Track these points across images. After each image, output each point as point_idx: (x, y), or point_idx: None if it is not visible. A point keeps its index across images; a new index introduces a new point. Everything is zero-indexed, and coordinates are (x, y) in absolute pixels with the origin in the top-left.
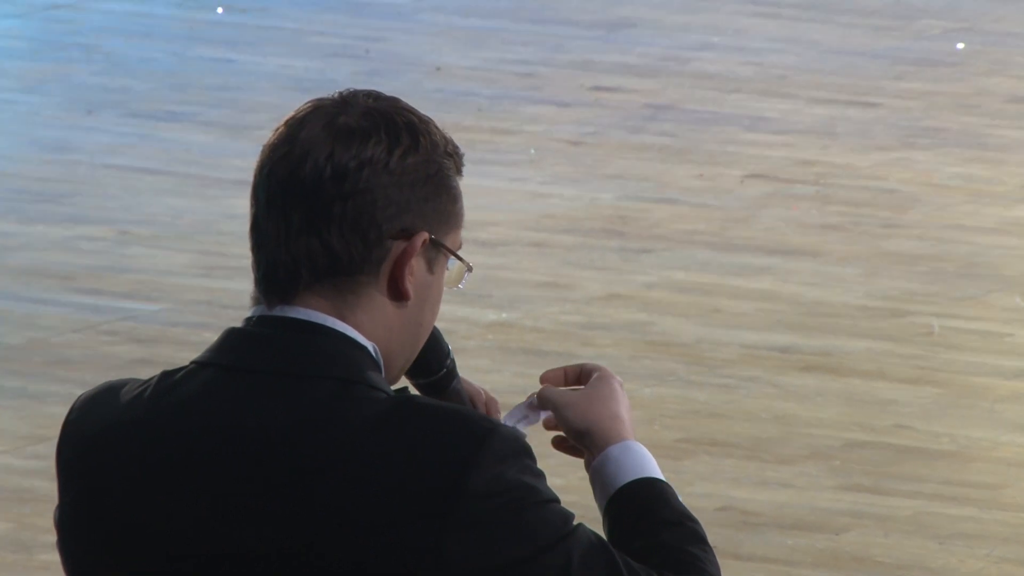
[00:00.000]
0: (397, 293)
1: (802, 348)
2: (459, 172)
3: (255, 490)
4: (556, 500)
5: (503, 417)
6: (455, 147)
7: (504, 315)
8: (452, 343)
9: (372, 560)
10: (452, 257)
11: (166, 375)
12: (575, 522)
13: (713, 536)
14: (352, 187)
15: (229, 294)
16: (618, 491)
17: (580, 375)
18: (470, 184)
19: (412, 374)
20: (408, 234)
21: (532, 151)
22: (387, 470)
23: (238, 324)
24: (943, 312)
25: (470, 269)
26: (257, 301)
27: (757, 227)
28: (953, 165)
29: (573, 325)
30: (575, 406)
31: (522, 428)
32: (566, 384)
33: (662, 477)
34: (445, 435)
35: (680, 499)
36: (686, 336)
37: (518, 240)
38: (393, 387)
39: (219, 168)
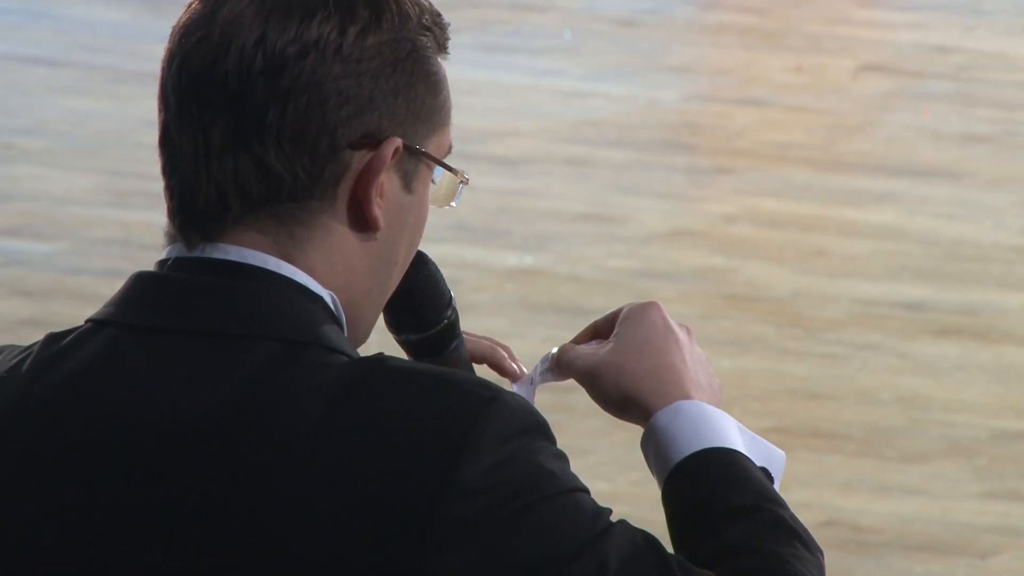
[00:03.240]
0: (362, 222)
1: (938, 304)
2: (443, 51)
3: (169, 495)
4: (583, 489)
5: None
6: (435, 16)
7: (529, 259)
8: (458, 296)
9: None
10: (438, 167)
11: (52, 339)
12: (613, 518)
13: None
14: (293, 82)
15: (151, 230)
16: (670, 474)
17: (610, 325)
18: (482, 81)
19: (398, 328)
20: (374, 141)
21: (567, 34)
22: (349, 464)
23: (149, 268)
24: None
25: (465, 181)
26: (173, 239)
27: (876, 138)
28: None
29: (624, 272)
30: (603, 372)
31: (532, 391)
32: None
33: (731, 445)
34: (427, 411)
35: (758, 470)
36: (779, 287)
37: (548, 156)
38: (360, 349)
39: (136, 57)
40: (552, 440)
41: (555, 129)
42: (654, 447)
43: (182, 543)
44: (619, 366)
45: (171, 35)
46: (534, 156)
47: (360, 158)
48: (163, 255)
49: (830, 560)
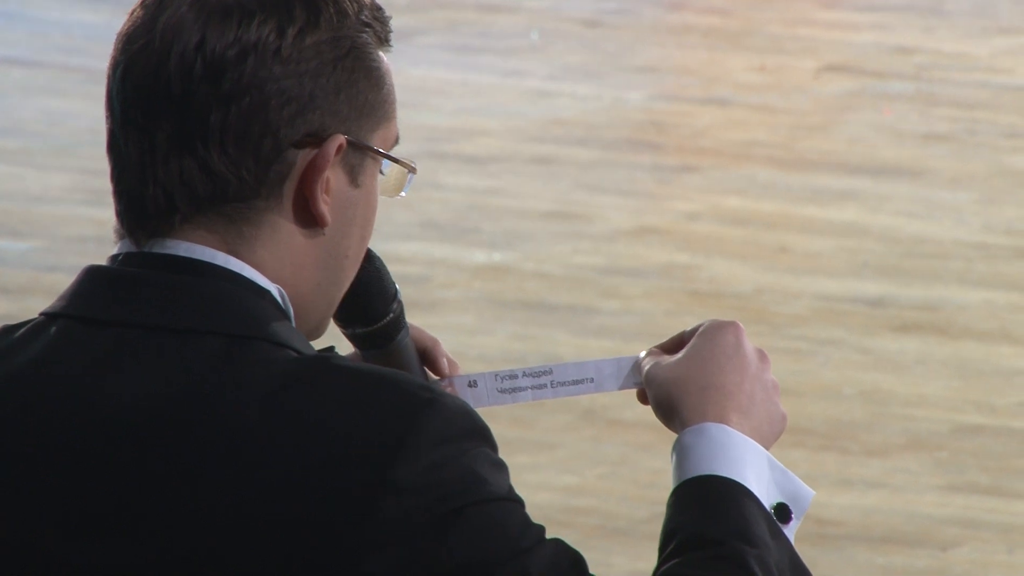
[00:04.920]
0: (309, 218)
1: (899, 300)
2: (384, 44)
3: (116, 488)
4: (516, 500)
5: (608, 361)
6: (375, 11)
7: (497, 256)
8: (426, 293)
9: None
10: (386, 159)
11: (5, 331)
12: (547, 535)
13: None
14: (234, 85)
15: None
16: (672, 491)
17: (682, 341)
18: (451, 81)
19: (346, 322)
20: (317, 139)
21: (534, 35)
22: (289, 459)
23: (101, 263)
24: None
25: (413, 171)
26: (123, 236)
27: (837, 137)
28: None
29: (590, 269)
30: (661, 379)
31: (612, 384)
32: None
33: (738, 476)
34: (367, 410)
35: (755, 508)
36: (742, 284)
37: (515, 155)
38: (314, 342)
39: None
40: (492, 446)
41: (522, 128)
42: (675, 461)
43: (126, 532)
44: (675, 376)
45: (115, 43)
46: (502, 155)
47: (304, 157)
48: (115, 250)
49: None
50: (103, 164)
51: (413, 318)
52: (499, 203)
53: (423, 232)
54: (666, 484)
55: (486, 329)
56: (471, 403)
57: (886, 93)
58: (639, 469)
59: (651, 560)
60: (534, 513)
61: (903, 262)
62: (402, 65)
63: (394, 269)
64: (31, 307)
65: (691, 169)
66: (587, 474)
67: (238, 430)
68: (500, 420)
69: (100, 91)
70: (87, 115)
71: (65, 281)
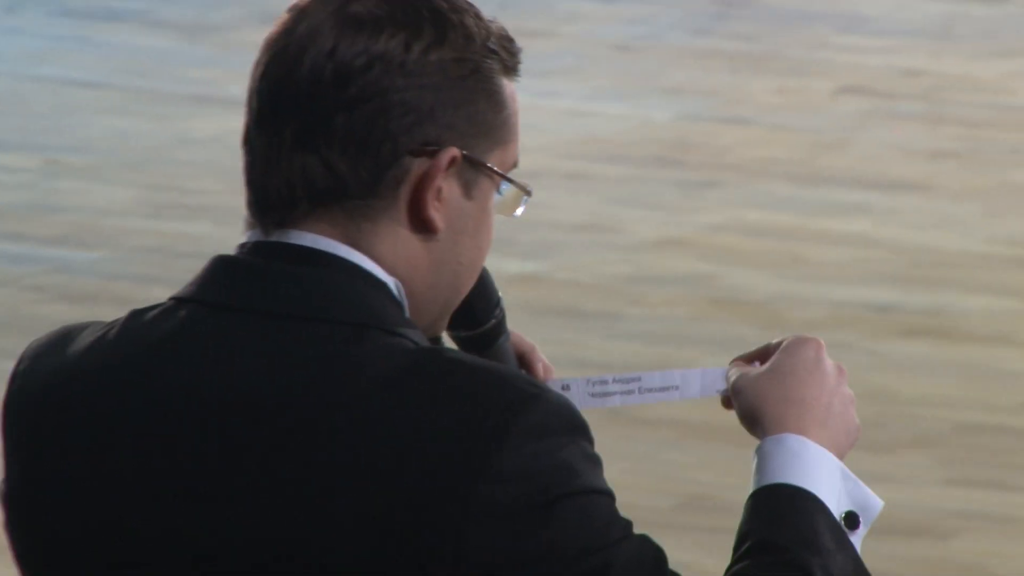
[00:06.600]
0: (420, 223)
1: (906, 307)
2: (510, 72)
3: (240, 464)
4: (607, 493)
5: (693, 371)
6: (505, 41)
7: (531, 265)
8: None
9: (379, 549)
10: (503, 180)
11: (136, 314)
12: (635, 531)
13: None
14: (359, 91)
15: (185, 239)
16: (749, 496)
17: (766, 354)
18: None
19: (452, 324)
20: (432, 150)
21: (569, 58)
22: (402, 441)
23: (229, 252)
24: None
25: (528, 194)
26: (252, 226)
27: (851, 154)
28: None
29: (618, 278)
30: (745, 390)
31: (700, 391)
32: None
33: (810, 487)
34: (475, 400)
35: (823, 517)
36: (760, 292)
37: (550, 171)
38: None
39: (174, 81)
40: (590, 441)
41: (556, 146)
42: (755, 465)
43: (245, 506)
44: (758, 388)
45: (261, 46)
46: (538, 170)
47: (420, 165)
48: (243, 239)
49: None
50: (165, 180)
51: None
52: (534, 216)
53: None
54: (685, 476)
55: (521, 334)
56: None
57: (897, 113)
58: (660, 463)
59: (673, 546)
60: None
61: (911, 271)
62: None
63: None
64: (98, 313)
65: (714, 184)
66: (612, 469)
67: (357, 415)
68: None
69: (164, 111)
70: (152, 134)
71: (129, 289)
